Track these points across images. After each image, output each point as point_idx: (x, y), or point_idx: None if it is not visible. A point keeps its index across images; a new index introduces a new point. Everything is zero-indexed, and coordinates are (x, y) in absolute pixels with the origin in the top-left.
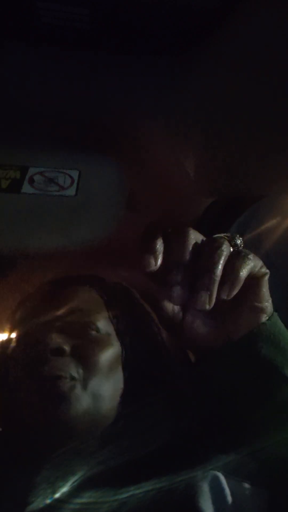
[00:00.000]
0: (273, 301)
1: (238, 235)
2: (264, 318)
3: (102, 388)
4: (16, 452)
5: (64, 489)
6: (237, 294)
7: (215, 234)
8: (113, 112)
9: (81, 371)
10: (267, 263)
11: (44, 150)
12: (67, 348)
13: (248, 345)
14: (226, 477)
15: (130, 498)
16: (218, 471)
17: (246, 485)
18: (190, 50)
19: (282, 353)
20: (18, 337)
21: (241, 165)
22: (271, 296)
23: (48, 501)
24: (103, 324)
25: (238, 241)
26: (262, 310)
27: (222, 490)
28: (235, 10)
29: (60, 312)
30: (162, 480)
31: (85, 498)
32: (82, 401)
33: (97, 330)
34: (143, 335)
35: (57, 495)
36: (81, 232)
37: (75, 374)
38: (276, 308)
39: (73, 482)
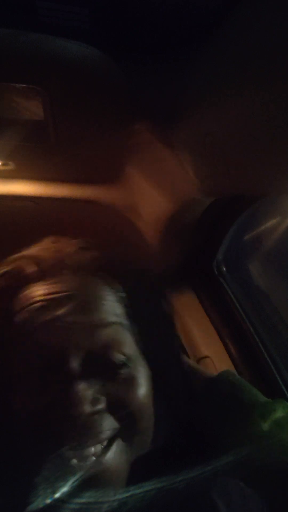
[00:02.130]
0: (273, 301)
1: None
2: None
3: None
4: (16, 453)
5: (64, 489)
6: None
7: (215, 234)
8: (113, 112)
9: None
10: (267, 263)
11: None
12: (102, 406)
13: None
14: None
15: (130, 498)
16: (217, 472)
17: (243, 485)
18: (190, 49)
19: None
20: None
21: (241, 165)
22: (272, 294)
23: (48, 501)
24: (130, 347)
25: None
26: None
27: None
28: (235, 10)
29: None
30: (162, 480)
31: (85, 498)
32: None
33: (128, 361)
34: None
35: (57, 495)
36: None
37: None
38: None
39: (73, 482)
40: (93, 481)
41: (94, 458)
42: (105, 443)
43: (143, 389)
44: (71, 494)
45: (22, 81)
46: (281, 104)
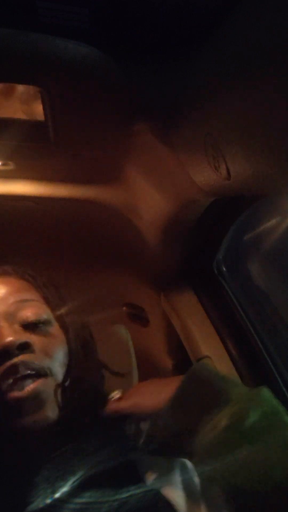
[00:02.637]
0: (273, 301)
1: None
2: None
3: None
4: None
5: (64, 489)
6: None
7: (215, 234)
8: (113, 112)
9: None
10: (267, 263)
11: None
12: (31, 341)
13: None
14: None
15: (130, 498)
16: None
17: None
18: (190, 49)
19: None
20: None
21: (241, 165)
22: (272, 294)
23: (48, 501)
24: (49, 316)
25: None
26: None
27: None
28: (235, 10)
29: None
30: (162, 480)
31: (85, 498)
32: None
33: (47, 322)
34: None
35: (57, 495)
36: None
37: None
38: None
39: (73, 482)
40: (93, 481)
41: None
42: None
43: (59, 344)
44: (71, 494)
45: (22, 81)
46: (281, 104)
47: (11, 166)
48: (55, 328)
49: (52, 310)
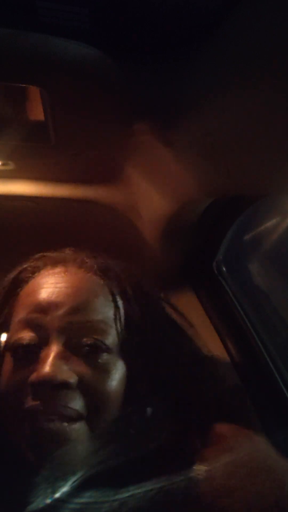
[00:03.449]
0: (273, 301)
1: None
2: None
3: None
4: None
5: (64, 489)
6: None
7: (215, 234)
8: (113, 112)
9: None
10: (267, 263)
11: None
12: (73, 381)
13: None
14: None
15: (130, 498)
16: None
17: None
18: (190, 49)
19: None
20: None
21: (241, 165)
22: (272, 294)
23: (48, 501)
24: (112, 338)
25: None
26: None
27: None
28: (235, 10)
29: (59, 313)
30: (162, 480)
31: (85, 498)
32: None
33: (108, 350)
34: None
35: (57, 495)
36: None
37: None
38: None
39: (73, 482)
40: (93, 481)
41: (94, 458)
42: (67, 422)
43: (115, 382)
44: (71, 494)
45: (22, 81)
46: (281, 104)
47: (11, 166)
48: (115, 358)
49: (125, 328)
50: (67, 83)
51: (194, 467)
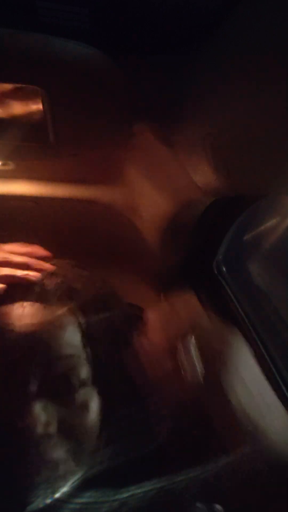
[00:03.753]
0: (273, 301)
1: None
2: None
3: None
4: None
5: (64, 489)
6: None
7: (215, 234)
8: (113, 112)
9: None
10: (267, 263)
11: None
12: (53, 430)
13: None
14: None
15: (130, 498)
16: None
17: None
18: (190, 49)
19: None
20: None
21: (241, 165)
22: (272, 294)
23: (48, 501)
24: (85, 374)
25: None
26: None
27: None
28: (235, 10)
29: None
30: (162, 480)
31: (85, 498)
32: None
33: (81, 387)
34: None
35: (57, 495)
36: None
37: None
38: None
39: (73, 482)
40: (93, 481)
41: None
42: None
43: (93, 414)
44: (71, 494)
45: (22, 81)
46: (281, 104)
47: (11, 166)
48: (90, 390)
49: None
50: (67, 83)
51: (194, 468)
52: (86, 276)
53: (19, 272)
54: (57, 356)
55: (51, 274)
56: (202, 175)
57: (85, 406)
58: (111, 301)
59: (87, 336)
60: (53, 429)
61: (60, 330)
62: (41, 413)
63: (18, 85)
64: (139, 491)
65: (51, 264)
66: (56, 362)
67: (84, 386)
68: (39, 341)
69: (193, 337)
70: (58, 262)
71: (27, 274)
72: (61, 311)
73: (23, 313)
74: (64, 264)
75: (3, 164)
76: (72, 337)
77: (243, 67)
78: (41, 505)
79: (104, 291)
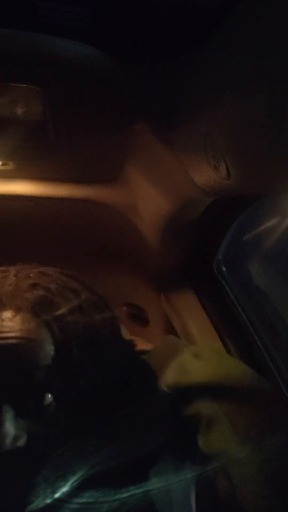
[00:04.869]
0: (273, 301)
1: None
2: None
3: None
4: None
5: (64, 489)
6: None
7: (215, 234)
8: (113, 112)
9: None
10: (267, 263)
11: None
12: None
13: None
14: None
15: (130, 498)
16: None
17: None
18: (189, 49)
19: None
20: None
21: (241, 165)
22: (272, 294)
23: (48, 501)
24: (56, 388)
25: None
26: None
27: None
28: (235, 10)
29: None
30: (162, 480)
31: (85, 498)
32: None
33: (52, 403)
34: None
35: (57, 495)
36: None
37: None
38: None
39: (73, 482)
40: (93, 481)
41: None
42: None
43: (61, 427)
44: (71, 494)
45: (22, 81)
46: (280, 104)
47: (11, 166)
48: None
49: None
50: (67, 83)
51: (194, 467)
52: (70, 287)
53: None
54: (33, 368)
55: (34, 285)
56: (202, 175)
57: (52, 420)
58: (91, 313)
59: (60, 348)
60: (22, 442)
61: (34, 342)
62: (10, 427)
63: (18, 85)
64: (139, 491)
65: (39, 271)
66: (31, 374)
67: (54, 401)
68: (11, 353)
69: None
70: (47, 270)
71: None
72: (36, 323)
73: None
74: (52, 272)
75: (3, 164)
76: (45, 349)
77: (243, 67)
78: (41, 505)
79: (86, 304)
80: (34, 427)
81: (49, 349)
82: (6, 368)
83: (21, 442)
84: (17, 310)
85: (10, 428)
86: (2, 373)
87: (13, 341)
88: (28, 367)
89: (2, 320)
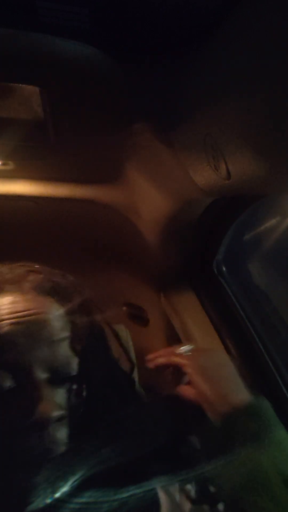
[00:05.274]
0: (273, 301)
1: None
2: None
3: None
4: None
5: (64, 489)
6: None
7: (215, 234)
8: (113, 112)
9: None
10: (267, 263)
11: None
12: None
13: None
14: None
15: (130, 498)
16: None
17: None
18: (189, 49)
19: None
20: None
21: (241, 165)
22: (272, 294)
23: (48, 501)
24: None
25: None
26: None
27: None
28: (235, 10)
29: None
30: (162, 480)
31: (85, 498)
32: None
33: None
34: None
35: (57, 495)
36: None
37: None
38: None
39: (73, 482)
40: (93, 481)
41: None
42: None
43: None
44: (71, 494)
45: (22, 81)
46: (280, 104)
47: (11, 166)
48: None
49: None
50: (67, 83)
51: (194, 467)
52: (62, 287)
53: None
54: (56, 340)
55: (29, 271)
56: (202, 175)
57: (80, 393)
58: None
59: (73, 333)
60: (63, 411)
61: (53, 320)
62: (52, 398)
63: (18, 85)
64: (139, 491)
65: (28, 269)
66: (55, 346)
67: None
68: (38, 332)
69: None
70: (37, 268)
71: None
72: (44, 300)
73: (20, 307)
74: (52, 273)
75: (3, 164)
76: (61, 326)
77: (243, 67)
78: (41, 505)
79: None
80: (66, 399)
81: (63, 326)
82: (38, 344)
83: (62, 411)
84: (23, 292)
85: (52, 398)
86: (36, 349)
87: (33, 317)
88: (53, 338)
89: (15, 302)
